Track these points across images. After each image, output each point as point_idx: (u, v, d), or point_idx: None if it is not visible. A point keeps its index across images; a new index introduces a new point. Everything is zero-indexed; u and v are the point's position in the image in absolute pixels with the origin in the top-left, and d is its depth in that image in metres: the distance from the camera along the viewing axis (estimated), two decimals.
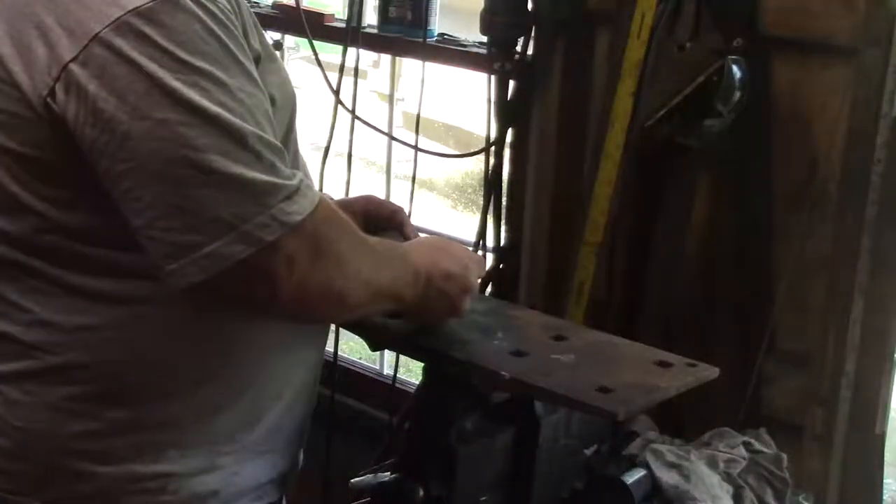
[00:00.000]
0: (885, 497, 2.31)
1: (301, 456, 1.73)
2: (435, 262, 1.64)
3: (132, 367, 1.48)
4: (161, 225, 1.35)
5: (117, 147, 1.34)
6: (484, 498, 1.74)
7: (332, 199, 1.92)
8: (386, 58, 4.09)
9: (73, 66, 1.35)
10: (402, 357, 3.00)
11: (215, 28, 1.37)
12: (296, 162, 1.60)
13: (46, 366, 1.48)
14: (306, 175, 1.64)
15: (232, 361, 1.53)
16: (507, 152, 2.76)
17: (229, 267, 1.34)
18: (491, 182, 2.76)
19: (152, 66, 1.33)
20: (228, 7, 1.41)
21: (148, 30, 1.34)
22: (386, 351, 3.09)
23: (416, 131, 2.93)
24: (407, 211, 1.99)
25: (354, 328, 1.84)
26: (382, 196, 2.51)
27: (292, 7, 3.07)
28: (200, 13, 1.37)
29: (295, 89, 1.62)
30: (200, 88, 1.34)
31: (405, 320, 1.77)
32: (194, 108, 1.33)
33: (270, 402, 1.59)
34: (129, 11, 1.34)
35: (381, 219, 1.80)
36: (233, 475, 1.57)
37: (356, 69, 3.00)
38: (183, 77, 1.34)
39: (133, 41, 1.34)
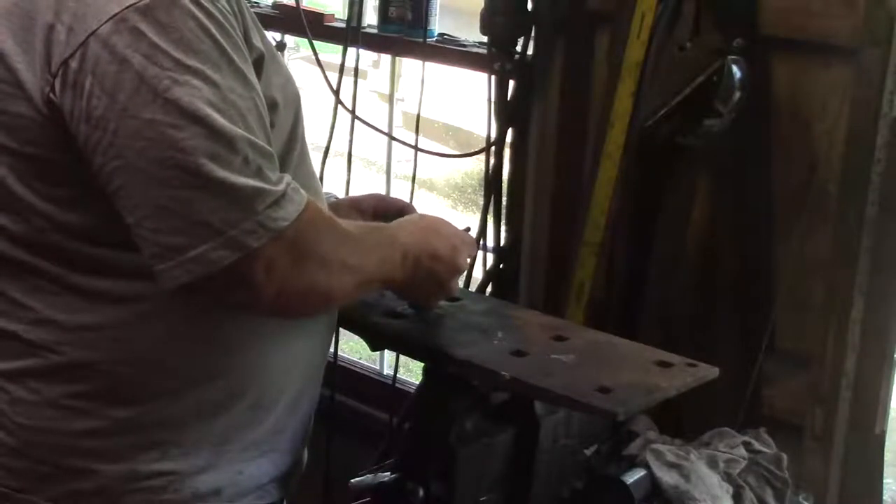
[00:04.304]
0: (885, 497, 2.31)
1: (305, 456, 1.73)
2: (423, 243, 1.65)
3: (134, 365, 1.48)
4: (148, 225, 1.36)
5: (108, 145, 1.35)
6: (484, 498, 1.74)
7: (336, 197, 1.93)
8: (386, 58, 4.08)
9: (72, 63, 1.36)
10: (402, 357, 3.00)
11: (211, 27, 1.38)
12: (303, 161, 1.60)
13: (50, 364, 1.48)
14: (312, 175, 1.65)
15: (234, 360, 1.53)
16: (507, 152, 2.76)
17: (213, 271, 1.35)
18: (491, 182, 2.76)
19: (143, 65, 1.34)
20: (228, 8, 1.41)
21: (143, 26, 1.34)
22: (386, 351, 3.09)
23: (416, 131, 2.93)
24: None
25: (354, 328, 1.84)
26: None
27: (292, 7, 3.07)
28: (197, 12, 1.37)
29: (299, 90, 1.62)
30: (191, 87, 1.34)
31: (407, 320, 1.78)
32: (183, 109, 1.33)
33: (273, 401, 1.59)
34: (127, 7, 1.35)
35: (390, 216, 1.81)
36: (236, 474, 1.57)
37: (356, 69, 3.00)
38: (174, 76, 1.34)
39: (127, 38, 1.34)
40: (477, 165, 5.43)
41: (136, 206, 1.36)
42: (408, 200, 2.89)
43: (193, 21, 1.36)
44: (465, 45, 2.91)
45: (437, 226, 1.71)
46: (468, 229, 1.83)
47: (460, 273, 1.74)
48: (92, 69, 1.35)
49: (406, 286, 1.66)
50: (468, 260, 1.77)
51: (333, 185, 2.98)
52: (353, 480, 1.83)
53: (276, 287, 1.40)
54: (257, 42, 1.48)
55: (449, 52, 2.93)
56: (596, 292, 2.43)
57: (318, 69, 2.96)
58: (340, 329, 1.90)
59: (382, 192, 3.23)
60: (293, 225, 1.39)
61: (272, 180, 1.39)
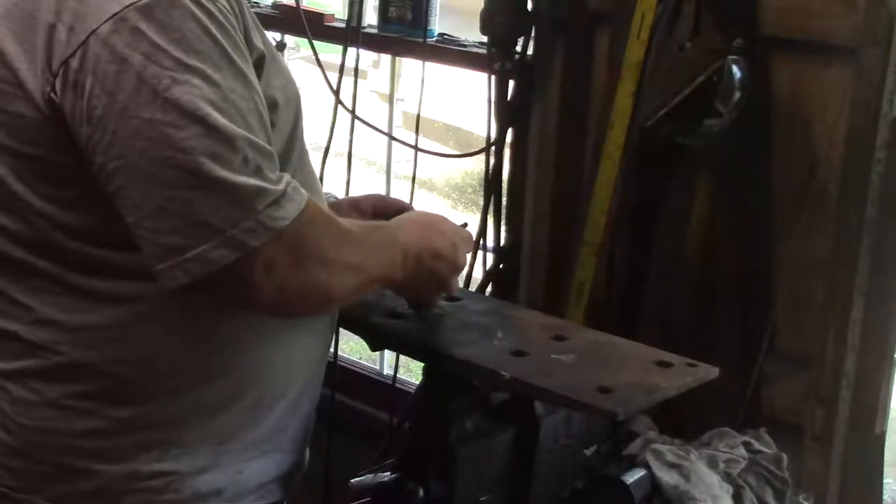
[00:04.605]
0: (885, 497, 2.31)
1: (307, 455, 1.73)
2: (424, 241, 1.65)
3: (134, 366, 1.48)
4: (148, 225, 1.36)
5: (108, 144, 1.35)
6: (484, 498, 1.74)
7: (335, 197, 1.93)
8: (386, 58, 4.08)
9: (72, 62, 1.36)
10: (402, 357, 3.00)
11: (212, 27, 1.37)
12: (303, 161, 1.60)
13: (50, 364, 1.48)
14: (312, 175, 1.65)
15: (234, 360, 1.53)
16: (507, 152, 2.76)
17: (213, 271, 1.35)
18: (491, 182, 2.76)
19: (143, 64, 1.34)
20: (228, 7, 1.41)
21: (143, 26, 1.34)
22: (386, 351, 3.09)
23: (416, 131, 2.93)
24: None
25: (354, 328, 1.84)
26: None
27: (292, 7, 3.07)
28: (197, 12, 1.37)
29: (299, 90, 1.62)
30: (192, 87, 1.34)
31: (407, 320, 1.78)
32: (183, 108, 1.33)
33: (274, 401, 1.59)
34: (127, 6, 1.35)
35: (389, 216, 1.81)
36: (236, 474, 1.57)
37: (356, 69, 3.00)
38: (175, 75, 1.34)
39: (128, 37, 1.34)
40: (477, 165, 5.43)
41: (136, 206, 1.36)
42: (408, 200, 2.89)
43: (194, 21, 1.36)
44: (465, 45, 2.91)
45: (436, 224, 1.71)
46: (466, 225, 1.84)
47: (461, 270, 1.74)
48: (92, 69, 1.35)
49: (407, 285, 1.66)
50: (467, 255, 1.77)
51: (333, 185, 2.98)
52: (353, 480, 1.83)
53: (276, 286, 1.39)
54: (258, 42, 1.48)
55: (449, 52, 2.93)
56: (596, 292, 2.43)
57: (318, 69, 2.96)
58: (340, 329, 1.90)
59: (382, 192, 3.23)
60: (293, 224, 1.38)
61: (272, 180, 1.39)
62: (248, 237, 1.35)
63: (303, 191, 1.42)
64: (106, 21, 1.35)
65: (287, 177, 1.41)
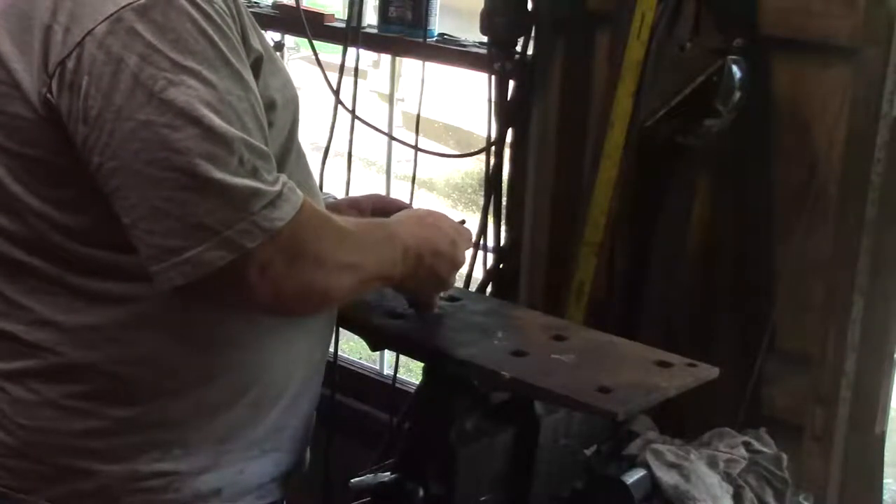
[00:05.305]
0: (885, 497, 2.31)
1: (308, 455, 1.73)
2: (424, 239, 1.65)
3: (134, 366, 1.48)
4: (144, 226, 1.35)
5: (104, 145, 1.35)
6: (484, 498, 1.74)
7: (335, 198, 1.93)
8: (386, 58, 4.08)
9: (68, 63, 1.36)
10: (402, 357, 3.00)
11: (208, 28, 1.37)
12: (299, 162, 1.60)
13: (49, 364, 1.48)
14: (309, 175, 1.64)
15: (234, 360, 1.53)
16: (507, 152, 2.76)
17: (209, 272, 1.35)
18: (491, 182, 2.76)
19: (139, 65, 1.33)
20: (224, 8, 1.41)
21: (140, 26, 1.34)
22: (386, 351, 3.09)
23: (416, 131, 2.93)
24: None
25: (354, 328, 1.84)
26: None
27: (292, 7, 3.08)
28: (194, 12, 1.36)
29: (297, 90, 1.62)
30: (187, 88, 1.34)
31: (407, 320, 1.78)
32: (179, 109, 1.33)
33: (273, 401, 1.59)
34: (123, 7, 1.34)
35: (389, 216, 1.81)
36: (237, 474, 1.57)
37: (356, 69, 3.00)
38: (170, 76, 1.33)
39: (124, 38, 1.34)
40: (477, 165, 5.43)
41: (133, 206, 1.36)
42: (408, 200, 2.90)
43: (190, 21, 1.36)
44: (465, 45, 2.91)
45: (435, 221, 1.71)
46: (463, 222, 1.83)
47: (460, 267, 1.74)
48: (88, 69, 1.35)
49: (406, 282, 1.66)
50: (466, 251, 1.77)
51: (333, 185, 2.98)
52: (353, 480, 1.83)
53: (272, 287, 1.39)
54: (255, 43, 1.48)
55: (449, 52, 2.93)
56: (596, 292, 2.43)
57: (318, 69, 2.96)
58: (340, 329, 1.90)
59: (382, 192, 3.23)
60: (289, 225, 1.38)
61: (268, 181, 1.38)
62: (243, 238, 1.35)
63: (299, 191, 1.42)
64: (102, 22, 1.35)
65: (283, 177, 1.41)
